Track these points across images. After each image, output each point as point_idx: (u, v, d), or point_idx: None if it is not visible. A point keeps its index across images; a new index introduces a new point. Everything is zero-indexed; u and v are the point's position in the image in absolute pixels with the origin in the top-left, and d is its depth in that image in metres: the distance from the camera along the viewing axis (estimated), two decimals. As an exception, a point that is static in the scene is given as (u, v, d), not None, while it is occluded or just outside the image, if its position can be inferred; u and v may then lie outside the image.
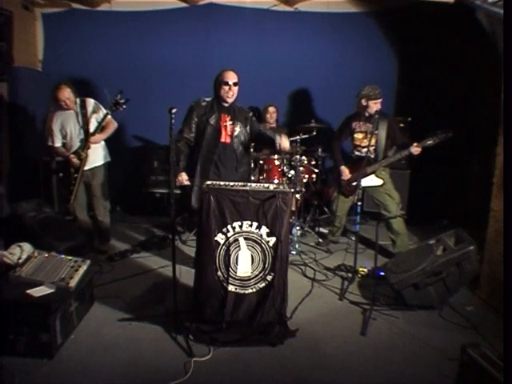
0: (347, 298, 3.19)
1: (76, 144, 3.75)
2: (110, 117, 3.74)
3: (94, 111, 3.76)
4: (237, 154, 3.37)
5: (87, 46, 5.16)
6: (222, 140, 3.30)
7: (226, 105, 3.29)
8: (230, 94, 3.22)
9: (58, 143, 3.78)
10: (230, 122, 3.30)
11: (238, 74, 3.26)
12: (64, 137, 3.76)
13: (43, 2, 5.00)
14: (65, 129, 3.72)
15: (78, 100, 3.73)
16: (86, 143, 3.71)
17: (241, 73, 5.31)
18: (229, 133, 3.32)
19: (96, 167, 3.84)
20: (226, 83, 3.19)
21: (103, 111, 3.73)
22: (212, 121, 3.27)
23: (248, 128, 3.40)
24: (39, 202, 3.82)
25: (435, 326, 2.81)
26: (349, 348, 2.55)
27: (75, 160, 3.71)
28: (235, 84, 3.22)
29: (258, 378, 2.27)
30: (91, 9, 5.15)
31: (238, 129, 3.34)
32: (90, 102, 3.79)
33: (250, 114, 3.46)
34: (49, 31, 5.18)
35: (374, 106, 3.79)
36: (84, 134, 3.73)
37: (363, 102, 3.82)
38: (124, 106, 3.63)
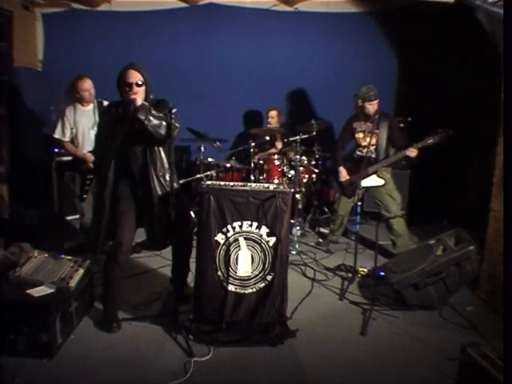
0: (347, 298, 3.19)
1: (86, 143, 3.72)
2: None
3: None
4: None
5: (87, 46, 5.16)
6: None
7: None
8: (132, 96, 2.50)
9: (67, 138, 3.78)
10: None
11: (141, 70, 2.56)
12: (74, 134, 3.74)
13: (43, 1, 5.00)
14: (76, 126, 3.71)
15: (95, 101, 3.73)
16: None
17: (240, 73, 5.37)
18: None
19: None
20: (128, 84, 2.51)
21: None
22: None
23: None
24: (39, 202, 3.82)
25: (435, 326, 2.81)
26: (349, 348, 2.55)
27: (92, 158, 3.70)
28: (138, 84, 2.52)
29: (258, 377, 2.27)
30: (91, 9, 5.15)
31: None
32: None
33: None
34: (49, 31, 5.18)
35: (370, 107, 3.80)
36: None
37: (359, 102, 3.85)
38: None
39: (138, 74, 2.54)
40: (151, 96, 2.66)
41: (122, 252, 2.67)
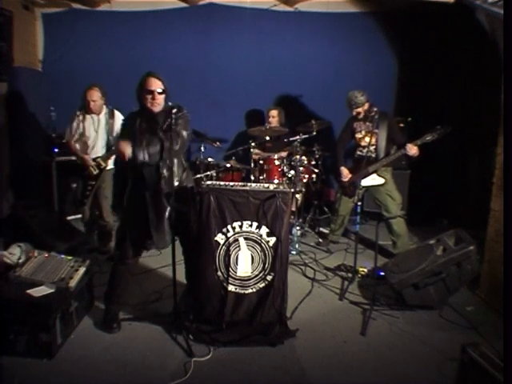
0: (347, 298, 3.19)
1: (93, 150, 3.73)
2: None
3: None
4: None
5: (87, 46, 5.15)
6: None
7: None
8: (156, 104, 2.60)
9: (73, 140, 3.78)
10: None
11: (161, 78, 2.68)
12: (81, 140, 3.75)
13: (43, 1, 4.99)
14: (84, 133, 3.72)
15: (106, 109, 3.73)
16: (108, 154, 3.72)
17: (240, 73, 5.37)
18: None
19: (108, 170, 3.85)
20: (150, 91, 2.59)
21: None
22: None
23: None
24: (39, 202, 3.82)
25: (435, 326, 2.81)
26: (349, 348, 2.55)
27: (92, 170, 3.70)
28: (159, 92, 2.60)
29: (258, 378, 2.27)
30: (91, 9, 5.15)
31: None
32: (119, 117, 3.73)
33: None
34: (49, 31, 5.17)
35: (356, 112, 3.86)
36: (106, 143, 3.73)
37: (348, 106, 3.89)
38: None
39: (159, 82, 2.60)
40: (169, 103, 2.68)
41: (132, 254, 2.69)
